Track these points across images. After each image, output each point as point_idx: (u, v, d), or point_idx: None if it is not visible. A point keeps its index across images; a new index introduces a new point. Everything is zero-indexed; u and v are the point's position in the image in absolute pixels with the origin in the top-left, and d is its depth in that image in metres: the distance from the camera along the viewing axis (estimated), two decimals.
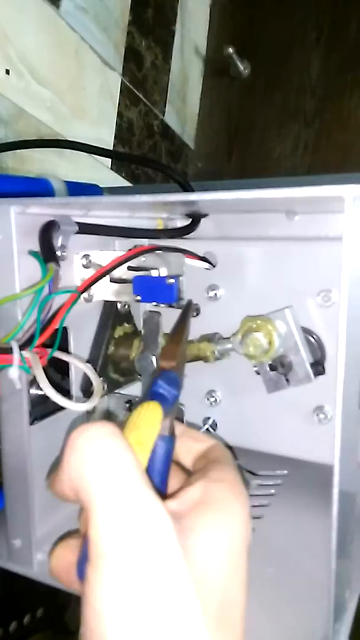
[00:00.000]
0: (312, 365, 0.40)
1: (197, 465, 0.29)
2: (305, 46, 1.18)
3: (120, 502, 0.20)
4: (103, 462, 0.21)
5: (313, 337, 0.42)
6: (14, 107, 0.76)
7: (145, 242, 0.44)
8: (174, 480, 0.28)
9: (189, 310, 0.37)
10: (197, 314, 0.42)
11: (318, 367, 0.40)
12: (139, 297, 0.39)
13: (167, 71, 1.14)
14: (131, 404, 0.43)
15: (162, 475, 0.28)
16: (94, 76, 0.92)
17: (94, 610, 0.18)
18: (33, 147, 0.56)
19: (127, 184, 1.00)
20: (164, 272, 0.40)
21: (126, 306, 0.44)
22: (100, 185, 0.74)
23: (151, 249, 0.40)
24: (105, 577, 0.18)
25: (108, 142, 0.97)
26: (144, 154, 1.07)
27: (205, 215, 0.51)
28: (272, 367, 0.41)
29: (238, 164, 1.23)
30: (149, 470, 0.27)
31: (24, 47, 0.77)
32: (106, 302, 0.43)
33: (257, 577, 0.35)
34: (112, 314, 0.42)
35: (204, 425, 0.47)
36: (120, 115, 0.99)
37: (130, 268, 0.40)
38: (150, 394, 0.28)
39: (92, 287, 0.39)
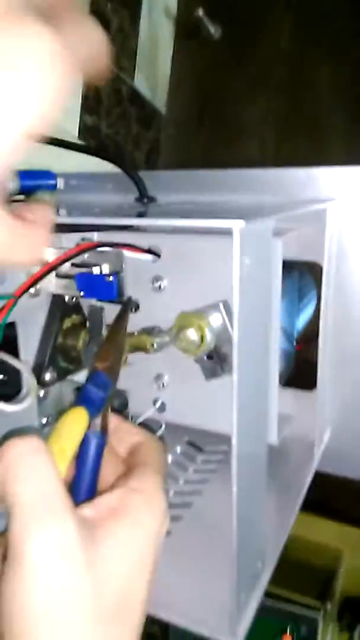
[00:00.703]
0: None
1: (128, 460, 0.32)
2: (277, 11, 1.16)
3: (34, 513, 0.23)
4: (24, 476, 0.24)
5: None
6: None
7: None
8: (110, 470, 0.31)
9: (126, 308, 0.40)
10: (137, 310, 0.45)
11: None
12: (82, 293, 0.42)
13: (136, 35, 1.12)
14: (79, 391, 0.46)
15: (93, 468, 0.31)
16: None
17: (5, 600, 0.22)
18: None
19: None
20: (105, 268, 0.42)
21: (74, 298, 0.46)
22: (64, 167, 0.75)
23: (93, 246, 0.41)
24: (16, 576, 0.22)
25: (75, 112, 0.96)
26: (113, 123, 1.06)
27: (153, 199, 0.53)
28: (209, 356, 0.44)
29: (209, 129, 1.23)
30: (79, 465, 0.31)
31: None
32: (54, 295, 0.45)
33: (187, 548, 0.39)
34: (60, 306, 0.45)
35: (154, 405, 0.50)
36: (86, 83, 0.98)
37: (73, 264, 0.42)
38: (79, 398, 0.31)
39: (39, 282, 0.41)
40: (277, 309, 0.44)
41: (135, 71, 1.13)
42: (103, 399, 0.32)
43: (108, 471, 0.31)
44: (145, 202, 0.52)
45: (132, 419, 0.48)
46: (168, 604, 0.33)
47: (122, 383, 0.49)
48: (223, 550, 0.37)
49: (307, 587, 0.88)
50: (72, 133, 0.96)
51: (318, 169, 0.49)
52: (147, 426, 0.45)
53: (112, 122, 1.06)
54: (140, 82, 1.14)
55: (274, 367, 0.45)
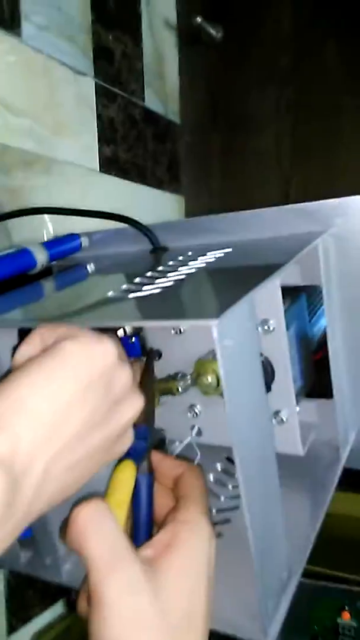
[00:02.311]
0: None
1: (174, 492, 0.39)
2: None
3: (105, 563, 0.30)
4: (93, 535, 0.31)
5: (262, 358, 0.50)
6: None
7: None
8: (162, 501, 0.39)
9: (150, 360, 0.46)
10: (160, 357, 0.51)
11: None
12: None
13: (140, 56, 1.16)
14: None
15: (147, 505, 0.38)
16: (67, 88, 0.97)
17: (93, 634, 0.29)
18: (16, 217, 0.64)
19: (116, 183, 1.07)
20: (128, 329, 0.49)
21: None
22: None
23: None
24: (98, 614, 0.29)
25: (93, 147, 1.03)
26: (130, 146, 1.12)
27: (166, 249, 0.59)
28: None
29: (224, 129, 1.26)
30: (136, 505, 0.38)
31: None
32: None
33: (225, 561, 0.46)
34: None
35: (192, 430, 0.57)
36: (99, 117, 1.04)
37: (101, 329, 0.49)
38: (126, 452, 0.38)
39: None
40: (282, 338, 0.49)
41: (145, 90, 1.17)
42: (146, 447, 0.39)
43: (160, 502, 0.39)
44: (157, 252, 0.58)
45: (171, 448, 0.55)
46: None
47: (159, 420, 0.56)
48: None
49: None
50: (93, 168, 1.02)
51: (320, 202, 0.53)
52: (185, 456, 0.52)
53: (129, 146, 1.12)
54: (151, 100, 1.19)
55: (287, 390, 0.50)
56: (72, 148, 0.98)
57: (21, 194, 0.87)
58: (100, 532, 0.31)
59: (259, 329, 0.50)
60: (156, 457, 0.41)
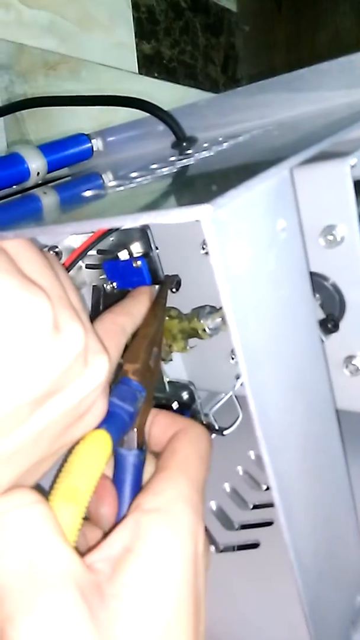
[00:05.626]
0: (322, 323, 0.34)
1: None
2: None
3: (18, 591, 0.19)
4: (8, 544, 0.19)
5: (327, 283, 0.36)
6: (10, 46, 0.70)
7: None
8: None
9: (163, 292, 0.33)
10: (178, 289, 0.38)
11: (327, 324, 0.34)
12: (114, 284, 0.36)
13: None
14: None
15: (133, 489, 0.26)
16: None
17: None
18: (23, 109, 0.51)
19: (159, 86, 0.90)
20: (136, 248, 0.36)
21: (113, 286, 0.40)
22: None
23: (106, 232, 0.35)
24: None
25: (129, 44, 0.87)
26: (176, 41, 0.94)
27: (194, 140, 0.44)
28: None
29: (292, 16, 1.04)
30: (118, 492, 0.26)
31: None
32: (94, 286, 0.40)
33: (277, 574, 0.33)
34: (100, 297, 0.39)
35: (236, 381, 0.44)
36: (135, 6, 0.87)
37: (100, 252, 0.36)
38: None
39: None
40: (356, 253, 0.33)
41: None
42: (131, 413, 0.26)
43: None
44: (184, 146, 0.43)
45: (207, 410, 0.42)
46: None
47: (188, 372, 0.43)
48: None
49: None
50: (130, 69, 0.87)
51: None
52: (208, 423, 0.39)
53: (174, 41, 0.94)
54: None
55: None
56: (104, 45, 0.82)
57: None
58: (18, 542, 0.19)
59: (321, 239, 0.34)
60: (149, 416, 0.29)
